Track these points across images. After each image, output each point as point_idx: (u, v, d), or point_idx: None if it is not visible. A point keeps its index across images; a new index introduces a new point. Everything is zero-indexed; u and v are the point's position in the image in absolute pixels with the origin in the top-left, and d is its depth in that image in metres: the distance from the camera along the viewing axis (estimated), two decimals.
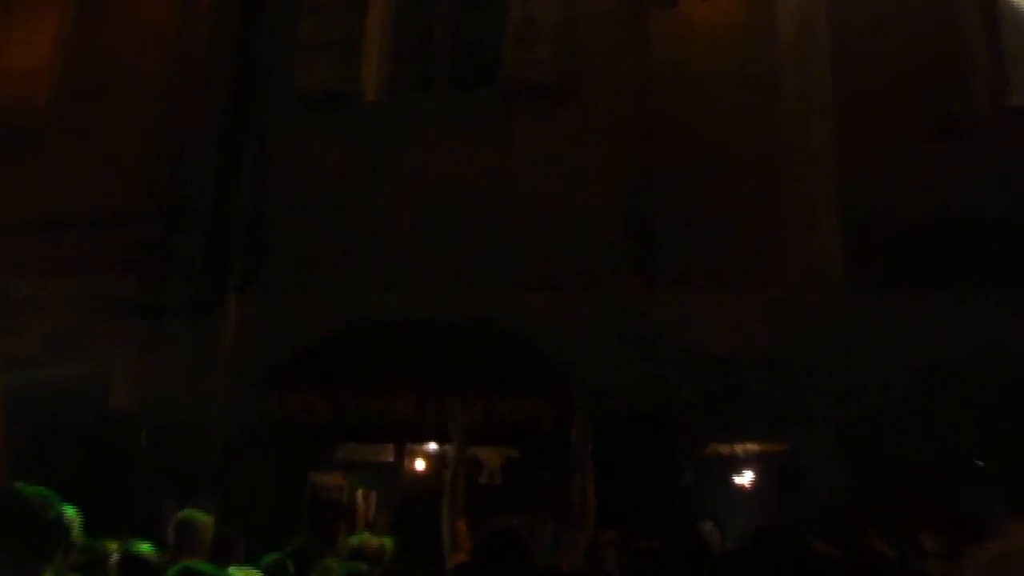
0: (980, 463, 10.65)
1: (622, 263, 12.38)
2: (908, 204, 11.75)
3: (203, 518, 7.73)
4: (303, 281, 13.13)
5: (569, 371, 12.30)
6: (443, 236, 12.86)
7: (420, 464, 13.72)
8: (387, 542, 9.95)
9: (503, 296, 12.57)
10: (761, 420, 11.64)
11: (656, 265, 12.29)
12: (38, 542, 4.87)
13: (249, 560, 7.94)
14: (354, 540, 9.96)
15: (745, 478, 12.98)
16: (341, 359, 12.84)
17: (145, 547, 7.05)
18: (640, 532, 8.35)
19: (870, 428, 11.16)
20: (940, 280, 11.46)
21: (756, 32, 12.61)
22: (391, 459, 13.78)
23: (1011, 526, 4.47)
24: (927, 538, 7.36)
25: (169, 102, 13.58)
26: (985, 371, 10.85)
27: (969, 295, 11.24)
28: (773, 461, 12.53)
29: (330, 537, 12.86)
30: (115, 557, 6.95)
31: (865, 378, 11.35)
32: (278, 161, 13.57)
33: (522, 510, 11.77)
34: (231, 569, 6.66)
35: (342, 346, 12.84)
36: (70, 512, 5.11)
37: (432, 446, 13.71)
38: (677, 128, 12.49)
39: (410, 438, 13.27)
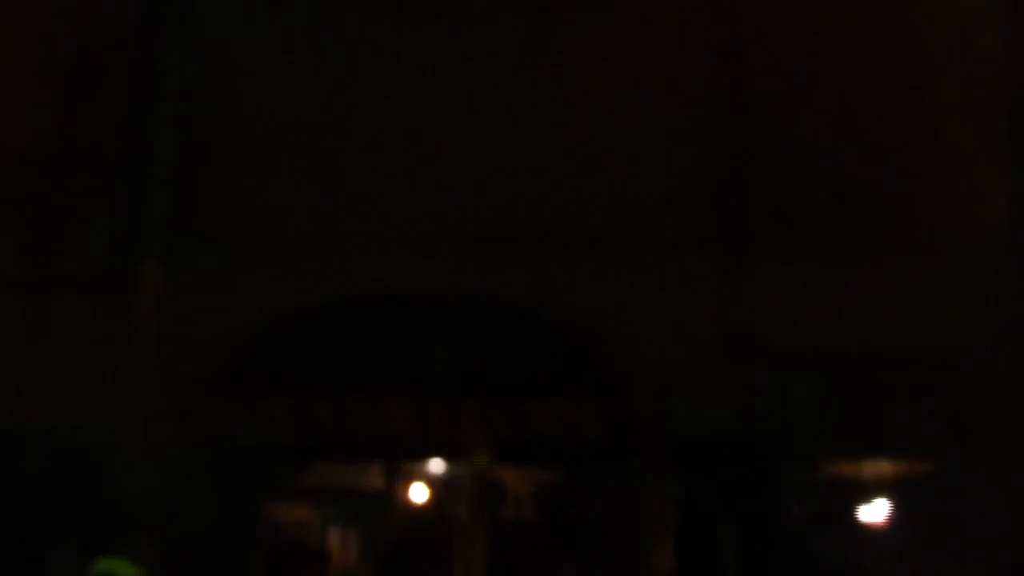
0: None
1: (705, 228, 10.11)
2: None
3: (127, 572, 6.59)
4: (249, 247, 10.24)
5: (629, 368, 9.84)
6: (449, 182, 10.30)
7: (419, 492, 10.67)
8: None
9: (536, 267, 10.08)
10: (898, 433, 9.70)
11: (752, 231, 10.11)
12: None
13: None
14: None
15: (875, 511, 10.33)
16: (307, 352, 10.08)
17: None
18: None
19: None
20: None
21: None
22: (378, 486, 10.72)
23: None
24: None
25: (62, 7, 10.62)
26: None
27: None
28: (914, 488, 10.12)
29: None
30: None
31: None
32: (209, 85, 10.65)
33: (561, 557, 9.68)
34: None
35: (308, 334, 10.06)
36: None
37: (435, 467, 10.73)
38: (784, 45, 10.40)
39: (405, 457, 10.55)
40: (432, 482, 10.62)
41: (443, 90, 10.33)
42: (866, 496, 10.25)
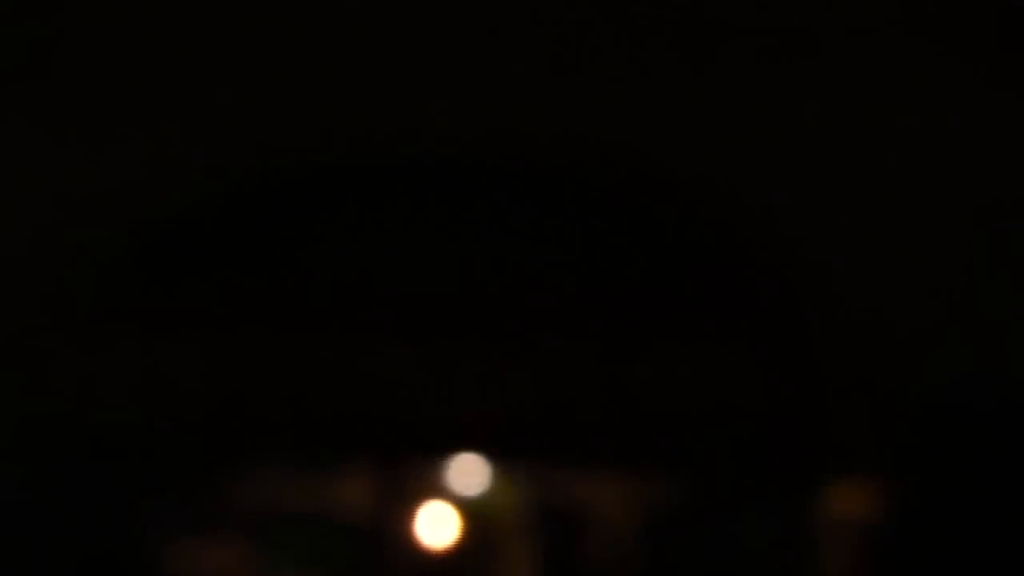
0: None
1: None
2: None
3: None
4: (148, 60, 4.96)
5: (819, 301, 5.20)
6: None
7: (436, 520, 5.80)
8: None
9: (638, 119, 4.99)
10: None
11: None
12: None
13: None
14: None
15: None
16: (238, 255, 5.53)
17: None
18: None
19: None
20: None
21: None
22: (362, 508, 5.79)
23: None
24: None
25: None
26: None
27: None
28: None
29: None
30: None
31: None
32: None
33: None
34: None
35: (243, 222, 5.51)
36: None
37: (468, 470, 5.66)
38: None
39: (414, 449, 5.60)
40: (462, 504, 5.88)
41: None
42: None
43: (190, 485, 5.29)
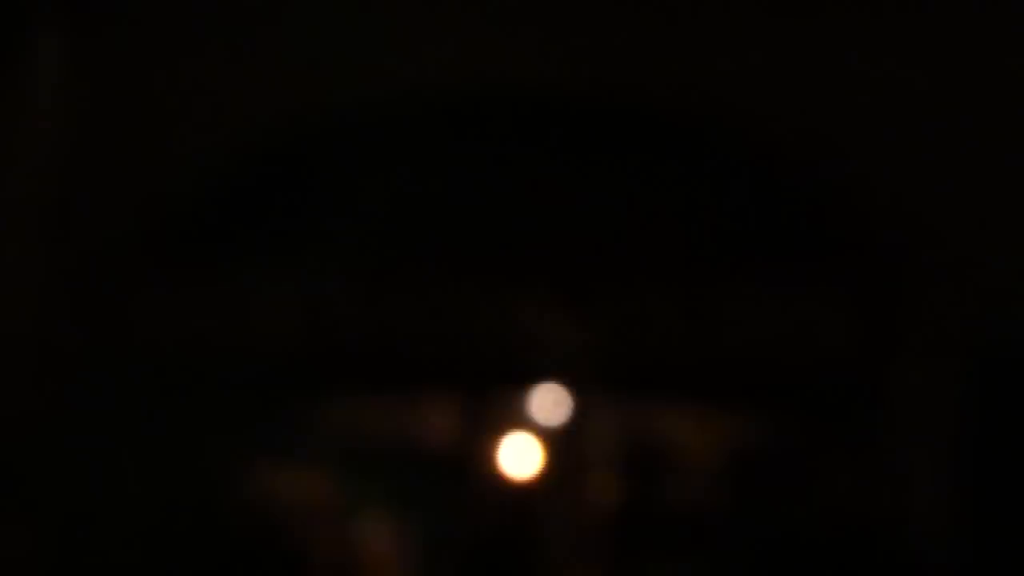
0: None
1: None
2: None
3: None
4: (208, 21, 5.54)
5: (908, 244, 5.17)
6: None
7: (522, 451, 5.88)
8: None
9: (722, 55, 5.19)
10: None
11: None
12: None
13: None
14: None
15: None
16: (316, 199, 5.51)
17: None
18: None
19: None
20: None
21: None
22: (450, 439, 5.88)
23: None
24: None
25: None
26: None
27: None
28: None
29: None
30: None
31: None
32: None
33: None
34: None
35: (318, 168, 5.51)
36: None
37: (552, 399, 5.71)
38: None
39: (499, 378, 5.56)
40: (547, 434, 6.01)
41: None
42: None
43: (282, 415, 5.45)
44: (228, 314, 5.50)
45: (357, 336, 5.53)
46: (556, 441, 5.69)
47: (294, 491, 5.76)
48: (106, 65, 5.34)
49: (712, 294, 5.37)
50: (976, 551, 4.92)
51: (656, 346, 5.38)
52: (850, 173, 5.07)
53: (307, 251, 5.47)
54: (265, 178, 5.44)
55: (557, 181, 5.38)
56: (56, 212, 5.25)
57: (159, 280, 5.47)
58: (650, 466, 5.54)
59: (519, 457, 5.73)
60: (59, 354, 5.13)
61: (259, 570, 5.50)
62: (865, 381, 5.19)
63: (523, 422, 5.74)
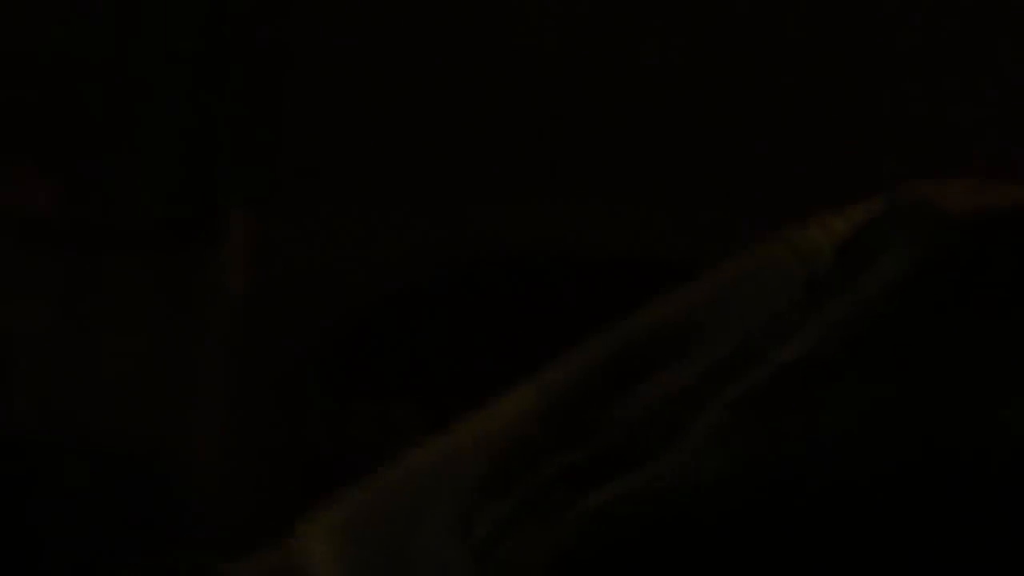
0: None
1: None
2: None
3: None
4: (365, 187, 7.24)
5: None
6: (625, 96, 7.02)
7: None
8: None
9: (760, 212, 6.23)
10: None
11: None
12: None
13: None
14: None
15: None
16: (447, 329, 7.27)
17: None
18: None
19: None
20: None
21: None
22: None
23: None
24: None
25: None
26: None
27: None
28: None
29: None
30: None
31: None
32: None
33: None
34: None
35: (448, 304, 7.25)
36: None
37: None
38: None
39: None
40: None
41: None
42: None
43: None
44: (367, 431, 7.35)
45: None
46: None
47: None
48: (281, 234, 7.19)
49: None
50: None
51: None
52: None
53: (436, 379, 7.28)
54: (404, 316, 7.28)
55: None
56: (242, 345, 7.12)
57: (335, 397, 7.31)
58: None
59: None
60: (253, 457, 6.99)
61: None
62: None
63: None
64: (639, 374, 1.10)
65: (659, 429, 1.04)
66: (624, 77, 7.06)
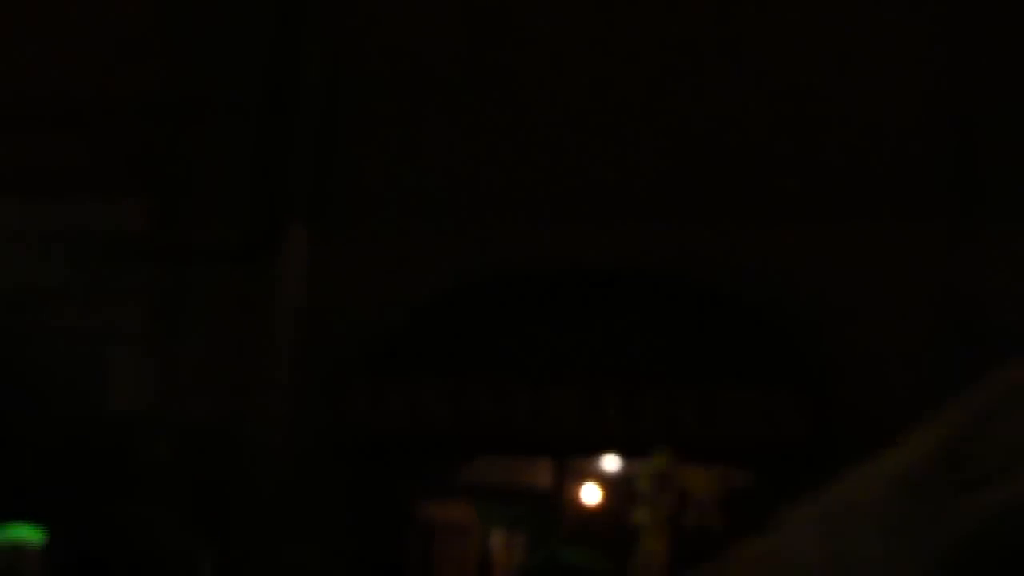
0: None
1: (923, 183, 8.60)
2: None
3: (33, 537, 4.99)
4: (402, 212, 8.94)
5: (832, 352, 8.65)
6: (619, 142, 8.90)
7: (591, 493, 9.08)
8: None
9: (717, 234, 8.73)
10: None
11: (980, 188, 8.58)
12: None
13: None
14: None
15: None
16: (464, 330, 8.87)
17: None
18: None
19: None
20: None
21: None
22: (545, 484, 9.17)
23: None
24: None
25: None
26: None
27: None
28: None
29: None
30: None
31: None
32: (364, 26, 9.25)
33: None
34: None
35: (465, 310, 8.85)
36: None
37: (610, 464, 9.29)
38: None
39: (575, 450, 9.14)
40: (605, 481, 9.27)
41: (601, 53, 8.94)
42: None
43: (442, 468, 8.64)
44: (417, 413, 8.71)
45: (492, 423, 8.73)
46: (613, 484, 8.92)
47: (448, 517, 9.01)
48: (332, 251, 8.59)
49: (716, 395, 8.53)
50: None
51: (676, 428, 8.51)
52: (803, 322, 8.27)
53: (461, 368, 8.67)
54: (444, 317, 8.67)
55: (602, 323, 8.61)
56: (300, 341, 8.53)
57: (373, 386, 8.69)
58: (675, 499, 8.66)
59: (590, 495, 8.98)
60: (310, 434, 8.43)
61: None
62: (808, 460, 8.25)
63: (593, 475, 9.00)
64: (996, 424, 1.73)
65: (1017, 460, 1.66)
66: (625, 138, 8.58)
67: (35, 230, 8.53)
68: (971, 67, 8.56)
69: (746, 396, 8.51)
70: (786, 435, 8.43)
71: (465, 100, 8.90)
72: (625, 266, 8.69)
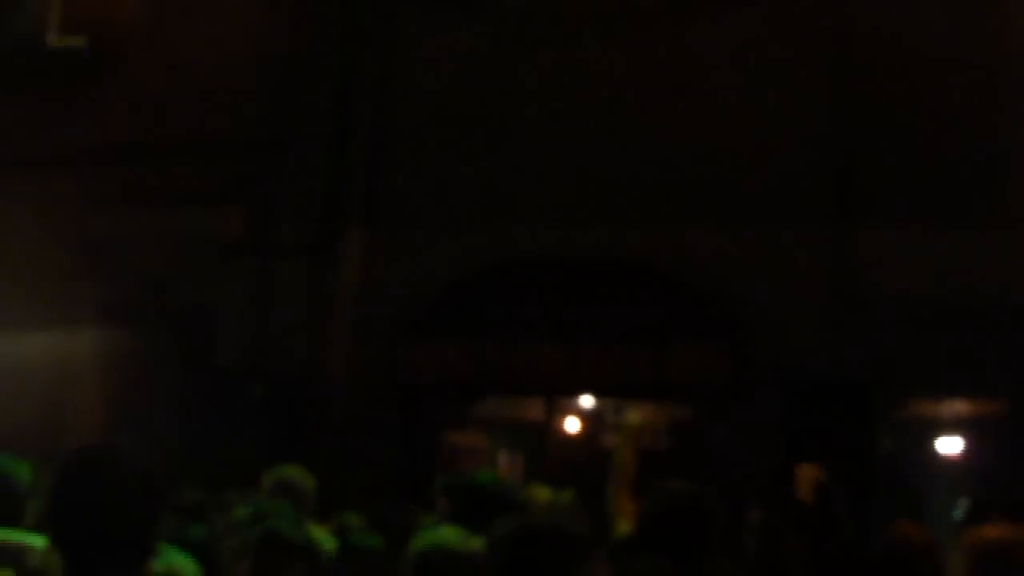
0: None
1: (814, 193, 11.05)
2: None
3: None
4: (434, 215, 11.83)
5: (750, 319, 11.13)
6: (601, 160, 11.54)
7: (572, 423, 12.10)
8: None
9: (670, 231, 11.32)
10: (975, 376, 10.54)
11: (856, 196, 10.99)
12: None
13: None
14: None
15: (953, 445, 11.24)
16: (479, 304, 11.66)
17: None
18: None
19: None
20: None
21: None
22: (539, 417, 12.14)
23: None
24: None
25: (277, 12, 12.09)
26: None
27: None
28: (987, 425, 11.08)
29: None
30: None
31: None
32: (404, 73, 12.13)
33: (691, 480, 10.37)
34: None
35: (480, 289, 11.63)
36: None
37: (587, 401, 12.26)
38: (880, 41, 11.18)
39: (561, 392, 12.03)
40: (582, 415, 12.26)
41: (594, 88, 11.47)
42: (943, 431, 11.21)
43: (462, 406, 11.43)
44: (444, 365, 11.56)
45: (504, 370, 11.56)
46: (589, 417, 11.92)
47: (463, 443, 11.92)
48: (382, 247, 11.45)
49: (666, 351, 11.38)
50: None
51: (636, 375, 11.42)
52: (729, 298, 11.11)
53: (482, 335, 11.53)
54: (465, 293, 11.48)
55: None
56: (359, 315, 11.39)
57: (412, 346, 11.51)
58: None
59: (571, 426, 11.98)
60: (366, 382, 11.31)
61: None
62: (732, 398, 11.05)
63: (575, 411, 11.99)
64: None
65: None
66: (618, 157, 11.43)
67: (165, 232, 11.51)
68: (849, 108, 10.95)
69: (687, 352, 11.15)
70: (716, 380, 11.10)
71: (479, 131, 11.57)
72: (602, 257, 11.39)
